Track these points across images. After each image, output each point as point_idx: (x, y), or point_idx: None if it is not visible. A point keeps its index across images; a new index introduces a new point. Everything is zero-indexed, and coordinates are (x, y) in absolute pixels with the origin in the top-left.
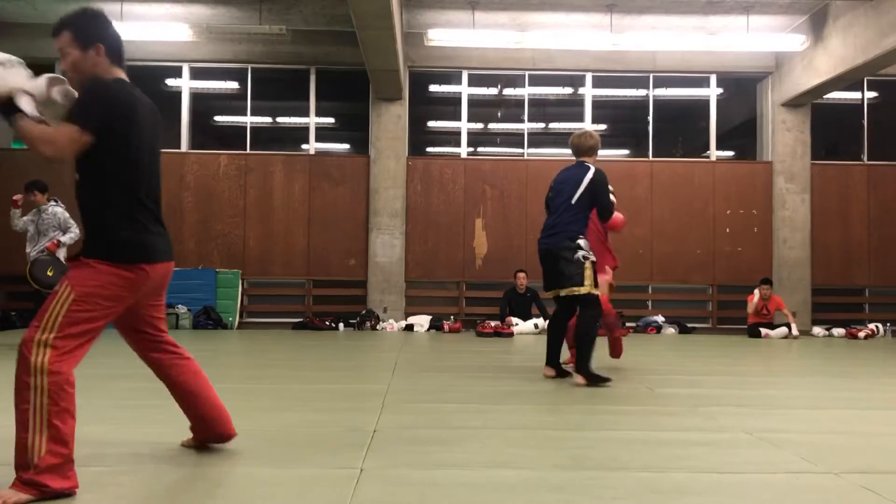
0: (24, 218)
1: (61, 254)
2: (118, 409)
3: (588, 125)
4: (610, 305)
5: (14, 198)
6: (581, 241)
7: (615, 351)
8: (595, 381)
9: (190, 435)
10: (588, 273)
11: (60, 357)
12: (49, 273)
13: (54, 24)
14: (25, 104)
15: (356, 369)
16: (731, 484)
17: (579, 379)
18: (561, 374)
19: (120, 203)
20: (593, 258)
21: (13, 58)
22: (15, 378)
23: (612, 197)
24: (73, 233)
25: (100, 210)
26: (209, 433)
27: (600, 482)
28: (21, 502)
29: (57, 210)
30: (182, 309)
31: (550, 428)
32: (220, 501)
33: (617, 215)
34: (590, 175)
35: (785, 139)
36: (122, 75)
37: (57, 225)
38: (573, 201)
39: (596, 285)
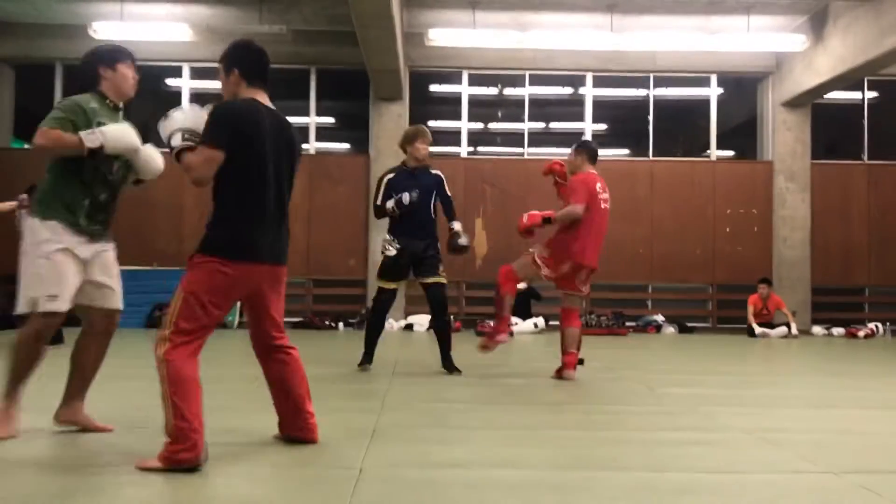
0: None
1: None
2: (118, 409)
3: (588, 125)
4: (507, 277)
5: (20, 197)
6: (385, 237)
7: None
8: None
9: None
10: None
11: (175, 348)
12: None
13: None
14: (176, 142)
15: (356, 369)
16: (731, 484)
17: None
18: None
19: (230, 205)
20: (388, 252)
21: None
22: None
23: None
24: None
25: (214, 210)
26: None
27: (600, 482)
28: (149, 467)
29: None
30: None
31: (550, 428)
32: (221, 501)
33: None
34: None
35: (785, 139)
36: (259, 94)
37: None
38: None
39: (379, 278)
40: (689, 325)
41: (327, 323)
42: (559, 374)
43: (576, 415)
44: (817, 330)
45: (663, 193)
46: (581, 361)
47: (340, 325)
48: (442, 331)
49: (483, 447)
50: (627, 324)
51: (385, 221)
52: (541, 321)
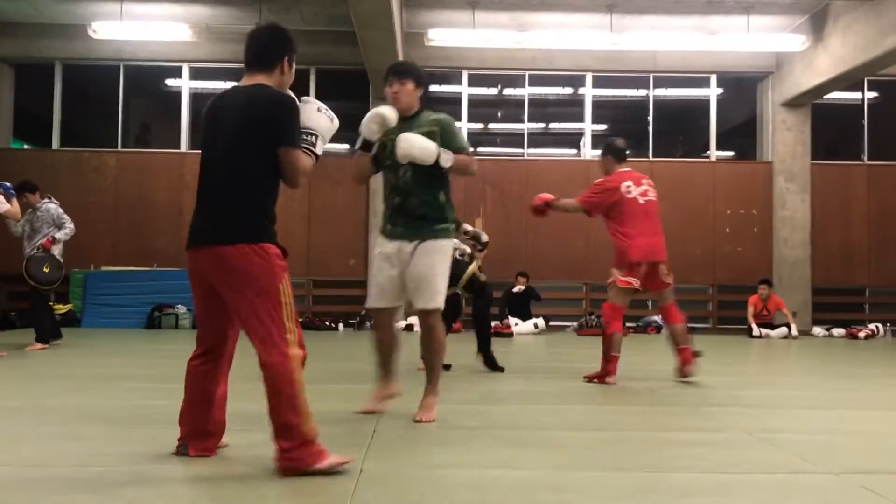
0: (21, 221)
1: (56, 250)
2: (119, 409)
3: (588, 125)
4: (611, 315)
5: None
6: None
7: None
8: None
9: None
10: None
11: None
12: (45, 270)
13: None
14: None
15: (356, 369)
16: (731, 484)
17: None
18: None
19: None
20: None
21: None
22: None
23: None
24: (68, 228)
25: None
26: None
27: (600, 482)
28: (333, 465)
29: (50, 207)
30: (182, 309)
31: (551, 428)
32: (221, 501)
33: None
34: None
35: (785, 139)
36: (249, 78)
37: (51, 221)
38: None
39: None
40: (690, 325)
41: (327, 323)
42: (681, 374)
43: (576, 415)
44: (818, 330)
45: (663, 194)
46: (697, 354)
47: (340, 325)
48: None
49: (483, 447)
50: (628, 324)
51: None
52: (541, 321)
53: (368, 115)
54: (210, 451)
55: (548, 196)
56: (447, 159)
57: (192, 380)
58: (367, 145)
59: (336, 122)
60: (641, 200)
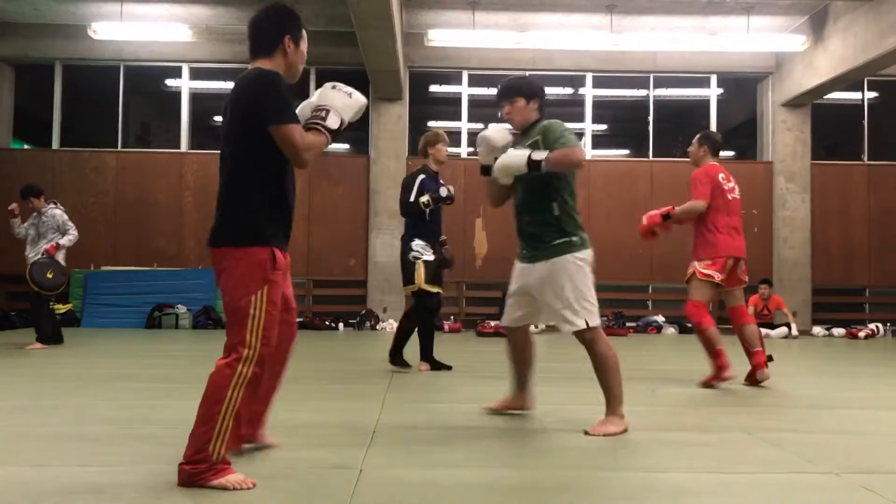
0: (25, 224)
1: (60, 256)
2: (119, 409)
3: (588, 125)
4: (698, 312)
5: (10, 208)
6: (414, 243)
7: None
8: (438, 367)
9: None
10: (419, 272)
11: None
12: (49, 275)
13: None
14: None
15: (356, 369)
16: (731, 484)
17: (421, 366)
18: (436, 367)
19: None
20: (426, 257)
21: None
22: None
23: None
24: (72, 234)
25: None
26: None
27: (600, 482)
28: (231, 483)
29: (56, 212)
30: (182, 309)
31: (550, 428)
32: (220, 501)
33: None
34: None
35: (785, 139)
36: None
37: (56, 227)
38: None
39: (429, 282)
40: (690, 325)
41: (327, 323)
42: (752, 380)
43: (576, 415)
44: (818, 330)
45: (663, 194)
46: (770, 358)
47: (340, 325)
48: (432, 328)
49: (483, 447)
50: (628, 324)
51: (379, 221)
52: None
53: (477, 139)
54: (233, 446)
55: (666, 209)
56: (538, 154)
57: None
58: (484, 169)
59: (357, 96)
60: (730, 196)
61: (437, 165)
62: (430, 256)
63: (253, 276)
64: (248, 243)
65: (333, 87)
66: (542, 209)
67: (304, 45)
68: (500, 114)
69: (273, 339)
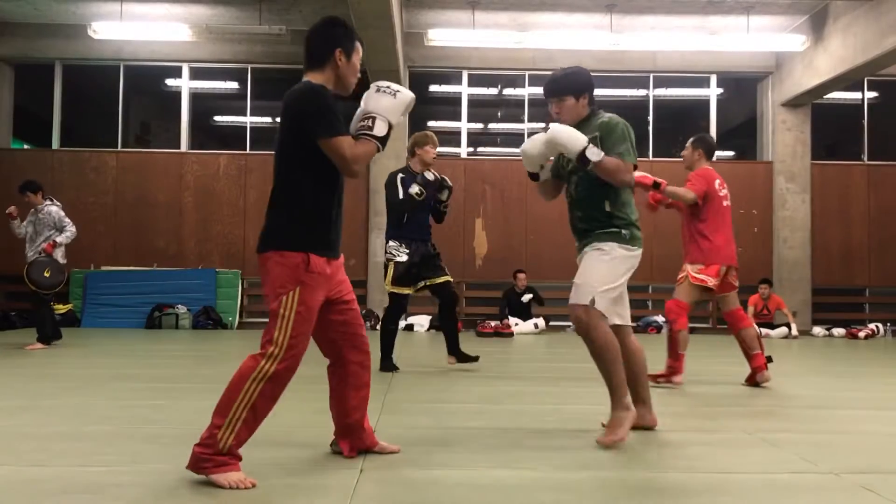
0: (24, 222)
1: (58, 253)
2: (119, 409)
3: None
4: (678, 312)
5: (8, 211)
6: (388, 244)
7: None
8: (389, 368)
9: None
10: (389, 273)
11: None
12: (46, 274)
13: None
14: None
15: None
16: (731, 484)
17: (449, 360)
18: (463, 359)
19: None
20: (398, 259)
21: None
22: (229, 389)
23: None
24: (69, 232)
25: None
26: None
27: (600, 482)
28: (230, 482)
29: (52, 209)
30: (182, 309)
31: (551, 428)
32: (220, 501)
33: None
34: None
35: (785, 139)
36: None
37: (52, 224)
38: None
39: (395, 284)
40: (690, 325)
41: None
42: (753, 381)
43: (576, 415)
44: (818, 330)
45: None
46: (770, 359)
47: None
48: (454, 323)
49: (483, 447)
50: None
51: (379, 221)
52: (541, 321)
53: (520, 150)
54: (349, 452)
55: (653, 178)
56: (594, 153)
57: (329, 382)
58: (532, 176)
59: (402, 95)
60: (725, 203)
61: (422, 167)
62: (402, 258)
63: (285, 277)
64: (284, 248)
65: (378, 90)
66: (594, 205)
67: (356, 58)
68: (549, 111)
69: (304, 340)
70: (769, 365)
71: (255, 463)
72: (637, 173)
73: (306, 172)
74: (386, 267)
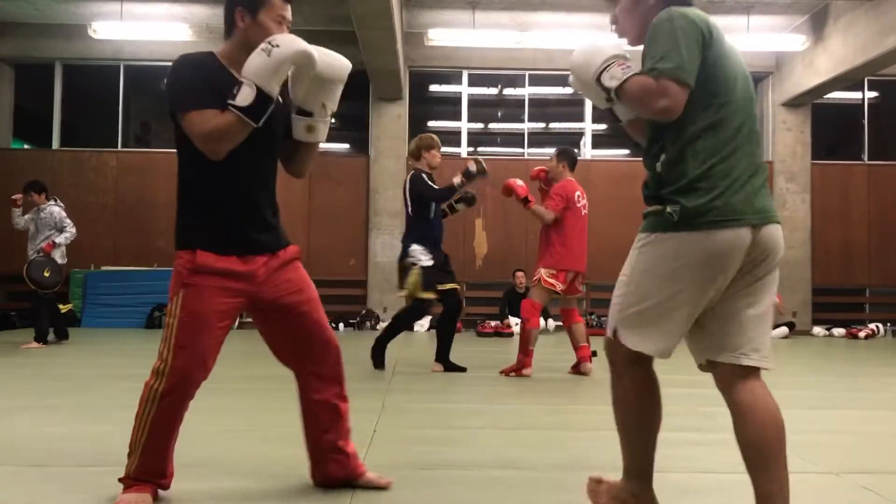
0: (26, 217)
1: (57, 254)
2: (119, 409)
3: (588, 125)
4: (532, 311)
5: (13, 197)
6: (412, 248)
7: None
8: (452, 369)
9: None
10: (414, 279)
11: None
12: (46, 274)
13: None
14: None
15: (356, 369)
16: (731, 484)
17: (434, 367)
18: (450, 368)
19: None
20: (424, 263)
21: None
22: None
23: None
24: (69, 232)
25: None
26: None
27: None
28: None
29: (54, 209)
30: None
31: (551, 428)
32: (220, 501)
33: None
34: (406, 181)
35: (785, 139)
36: None
37: (53, 224)
38: (409, 210)
39: (424, 289)
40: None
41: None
42: (577, 370)
43: (576, 415)
44: (818, 330)
45: None
46: (594, 353)
47: (341, 325)
48: (452, 331)
49: (483, 447)
50: None
51: (379, 221)
52: (541, 321)
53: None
54: (320, 479)
55: (531, 197)
56: (611, 76)
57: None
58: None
59: (279, 50)
60: (583, 213)
61: (429, 169)
62: (428, 262)
63: (173, 281)
64: (178, 247)
65: (258, 49)
66: (648, 163)
67: (267, 16)
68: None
69: (193, 353)
70: (593, 359)
71: (255, 463)
72: (515, 181)
73: (191, 158)
74: (405, 271)
